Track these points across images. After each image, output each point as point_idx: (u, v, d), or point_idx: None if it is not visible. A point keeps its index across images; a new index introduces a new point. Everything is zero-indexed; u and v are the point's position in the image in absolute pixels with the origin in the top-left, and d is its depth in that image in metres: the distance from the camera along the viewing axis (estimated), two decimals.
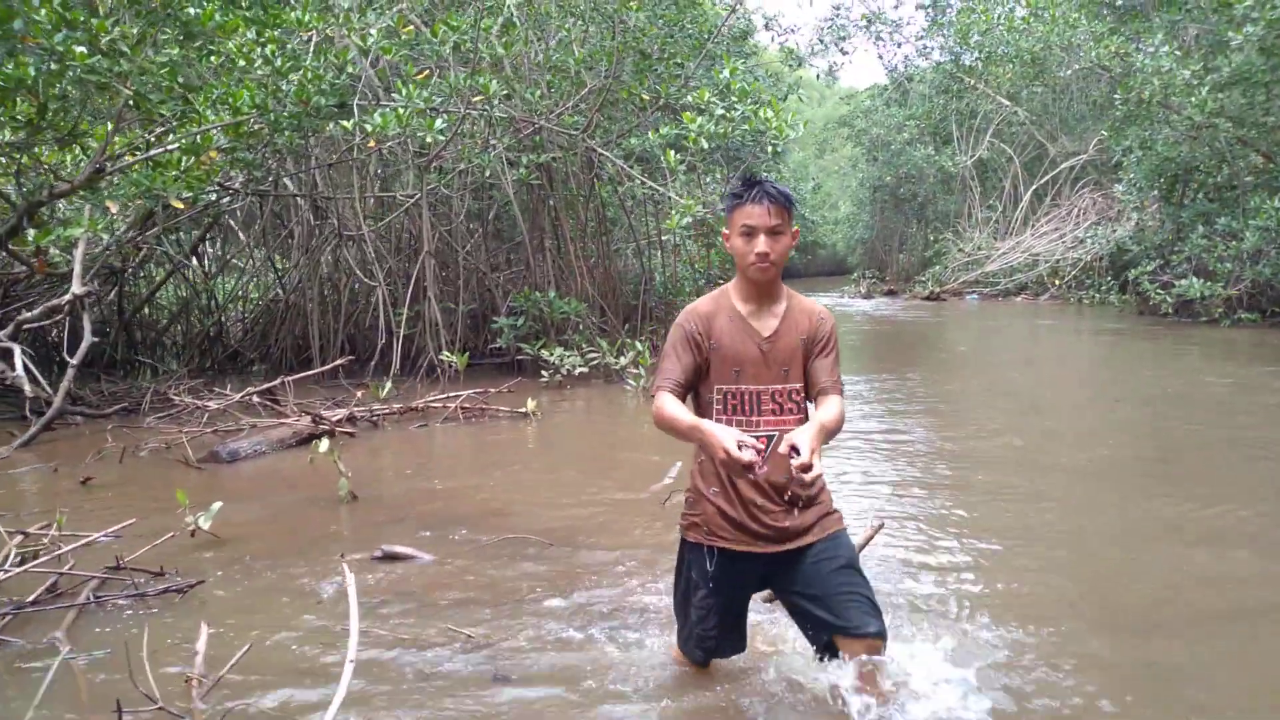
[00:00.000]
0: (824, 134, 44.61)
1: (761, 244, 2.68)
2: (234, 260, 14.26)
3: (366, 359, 10.96)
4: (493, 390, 9.03)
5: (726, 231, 2.81)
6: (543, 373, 10.21)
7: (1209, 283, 15.52)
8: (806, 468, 2.42)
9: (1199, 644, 3.57)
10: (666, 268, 14.25)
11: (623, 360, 10.32)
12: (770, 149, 10.75)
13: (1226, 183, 16.98)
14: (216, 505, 4.90)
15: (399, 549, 4.61)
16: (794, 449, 2.45)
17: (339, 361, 9.58)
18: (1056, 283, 22.82)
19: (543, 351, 10.34)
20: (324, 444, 5.65)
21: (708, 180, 14.42)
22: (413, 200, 11.21)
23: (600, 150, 11.24)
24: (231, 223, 13.51)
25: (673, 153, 9.60)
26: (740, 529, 2.83)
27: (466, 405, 8.49)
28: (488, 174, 10.64)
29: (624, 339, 10.95)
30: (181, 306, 13.61)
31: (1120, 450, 7.20)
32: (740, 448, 2.45)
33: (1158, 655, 3.49)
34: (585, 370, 10.41)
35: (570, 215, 12.33)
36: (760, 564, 2.89)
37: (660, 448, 7.47)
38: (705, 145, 9.54)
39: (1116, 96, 17.49)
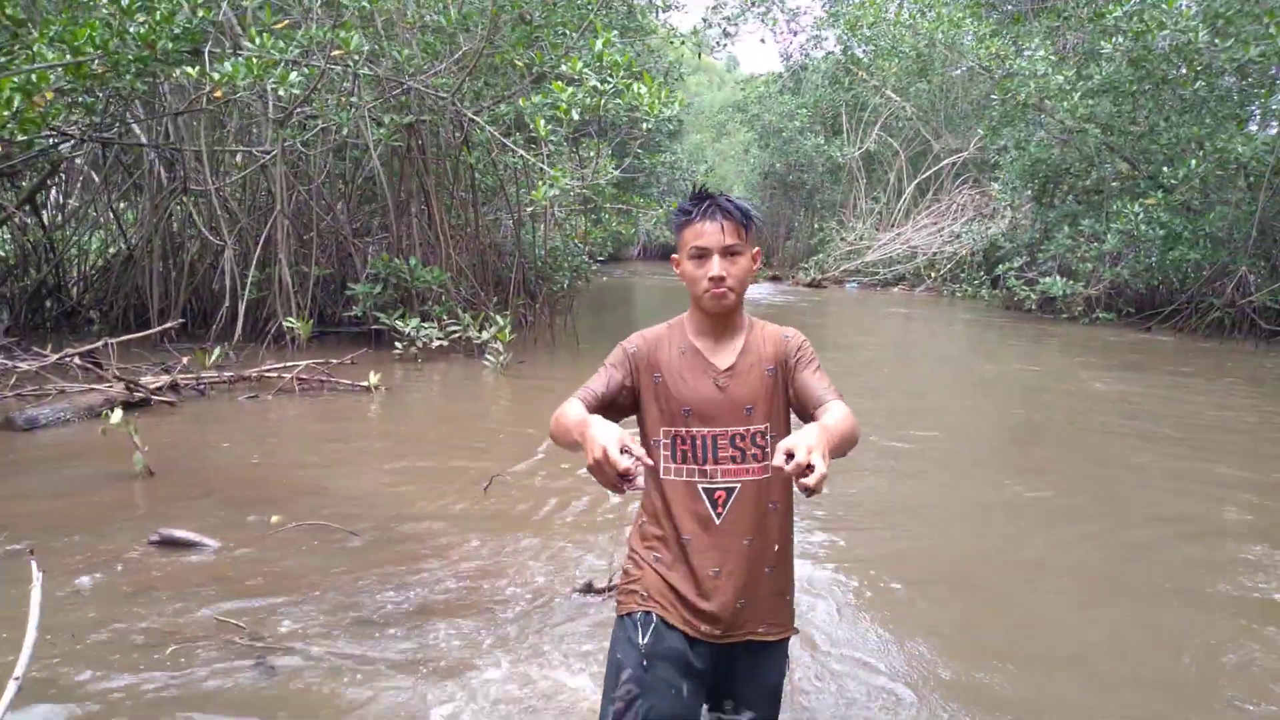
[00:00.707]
0: (720, 118, 44.66)
1: (715, 267, 2.21)
2: (82, 211, 13.29)
3: (211, 323, 10.31)
4: (334, 361, 8.54)
5: (676, 256, 2.33)
6: (396, 345, 9.75)
7: (1071, 281, 16.02)
8: (805, 469, 1.78)
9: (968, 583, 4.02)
10: (548, 241, 13.86)
11: (485, 334, 9.94)
12: (645, 127, 10.46)
13: (1094, 186, 17.52)
14: None
15: (179, 533, 4.19)
16: (788, 454, 1.79)
17: (170, 325, 8.95)
18: (932, 275, 23.31)
19: (398, 322, 9.86)
20: (116, 414, 5.15)
21: (589, 154, 14.09)
22: (268, 156, 10.57)
23: (471, 115, 10.79)
24: (89, 170, 12.59)
25: (542, 121, 9.24)
26: (685, 604, 2.29)
27: (304, 376, 8.00)
28: (345, 133, 10.08)
29: (488, 312, 10.56)
30: (20, 259, 12.60)
31: (964, 426, 7.31)
32: (623, 452, 1.87)
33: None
34: (444, 343, 9.99)
35: (440, 181, 11.85)
36: (705, 653, 2.30)
37: (514, 427, 7.18)
38: (575, 116, 9.21)
39: (994, 97, 17.83)
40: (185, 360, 8.00)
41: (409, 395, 8.35)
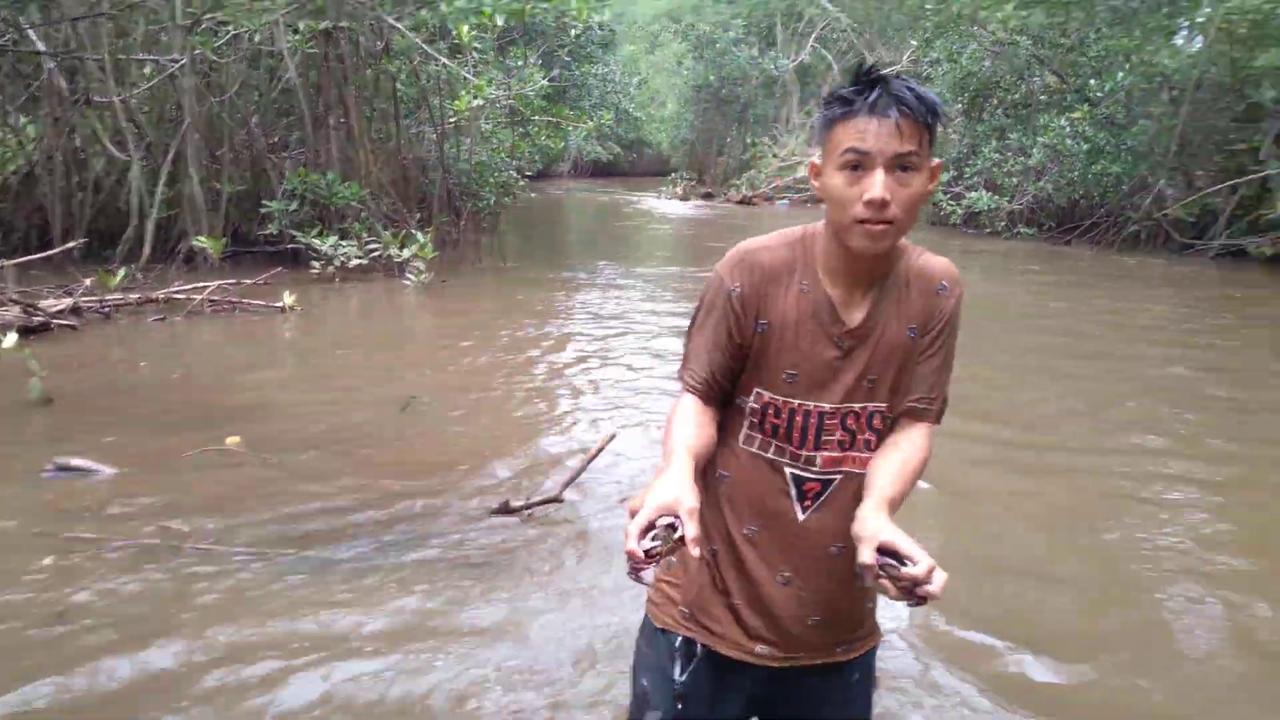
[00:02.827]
0: (654, 28, 43.75)
1: (879, 185, 1.49)
2: None
3: (117, 243, 9.90)
4: (248, 281, 8.28)
5: (816, 163, 1.60)
6: (313, 264, 9.48)
7: (996, 196, 16.16)
8: (920, 583, 1.35)
9: None
10: (474, 155, 13.48)
11: (406, 253, 9.71)
12: (574, 33, 10.16)
13: (1022, 100, 17.59)
14: None
15: (75, 462, 4.05)
16: (891, 554, 1.38)
17: (72, 245, 8.56)
18: None
19: (315, 240, 9.57)
20: (10, 338, 4.92)
21: (516, 64, 13.65)
22: (177, 66, 10.06)
23: (392, 21, 10.34)
24: None
25: (466, 28, 8.92)
26: (735, 619, 1.74)
27: (215, 298, 7.75)
28: (258, 40, 9.62)
29: (410, 230, 10.29)
30: None
31: None
32: (647, 532, 1.36)
33: None
34: (364, 262, 9.74)
35: (360, 93, 11.41)
36: (755, 682, 1.78)
37: (434, 348, 7.05)
38: (500, 22, 8.92)
39: (929, 8, 17.69)
40: (88, 282, 7.69)
41: (326, 315, 8.16)
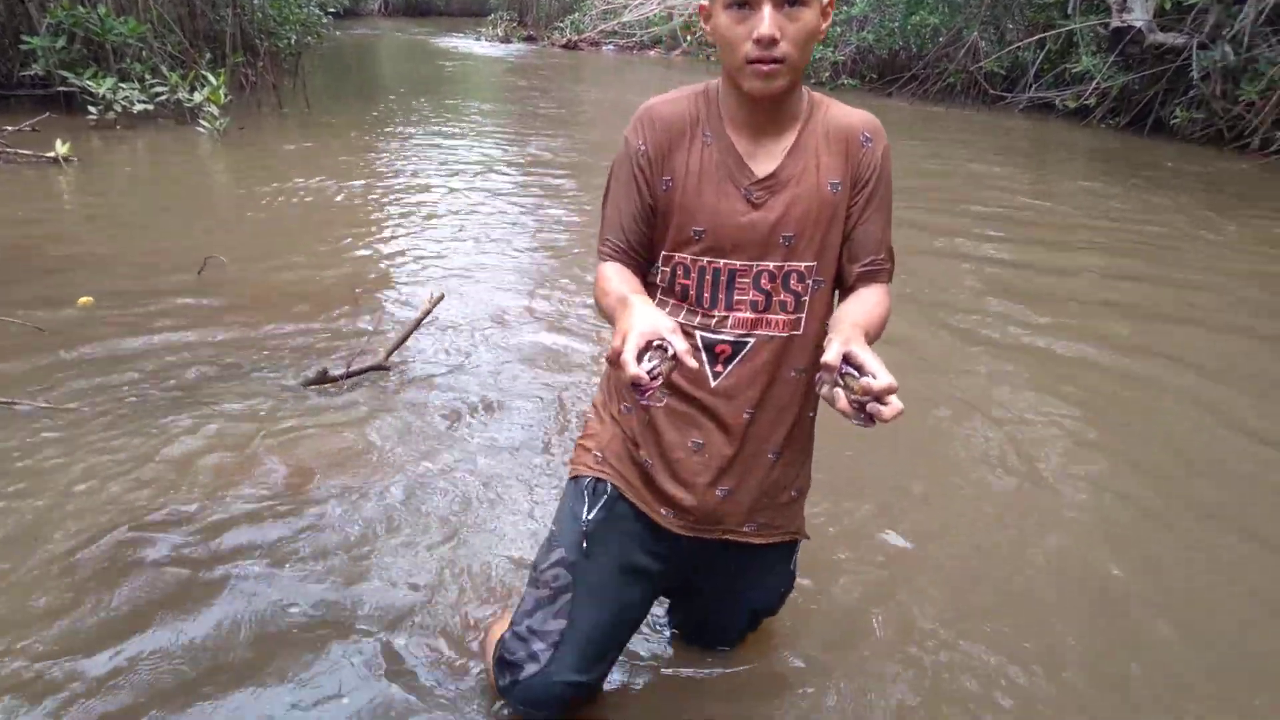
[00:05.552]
0: None
1: (766, 22, 1.41)
2: None
3: None
4: (10, 129, 7.28)
5: (705, 4, 1.53)
6: (91, 109, 8.44)
7: (820, 46, 16.16)
8: (889, 392, 1.27)
9: None
10: None
11: (197, 96, 8.77)
12: None
13: None
14: None
15: None
16: (855, 367, 1.31)
17: None
18: (689, 37, 22.91)
19: (90, 82, 8.49)
20: None
21: None
22: None
23: None
24: None
25: None
26: (647, 482, 1.73)
27: None
28: None
29: (200, 71, 9.28)
30: None
31: None
32: (644, 355, 1.32)
33: None
34: (149, 107, 8.74)
35: None
36: (670, 547, 1.78)
37: (233, 201, 6.42)
38: None
39: None
40: None
41: (109, 167, 7.30)
